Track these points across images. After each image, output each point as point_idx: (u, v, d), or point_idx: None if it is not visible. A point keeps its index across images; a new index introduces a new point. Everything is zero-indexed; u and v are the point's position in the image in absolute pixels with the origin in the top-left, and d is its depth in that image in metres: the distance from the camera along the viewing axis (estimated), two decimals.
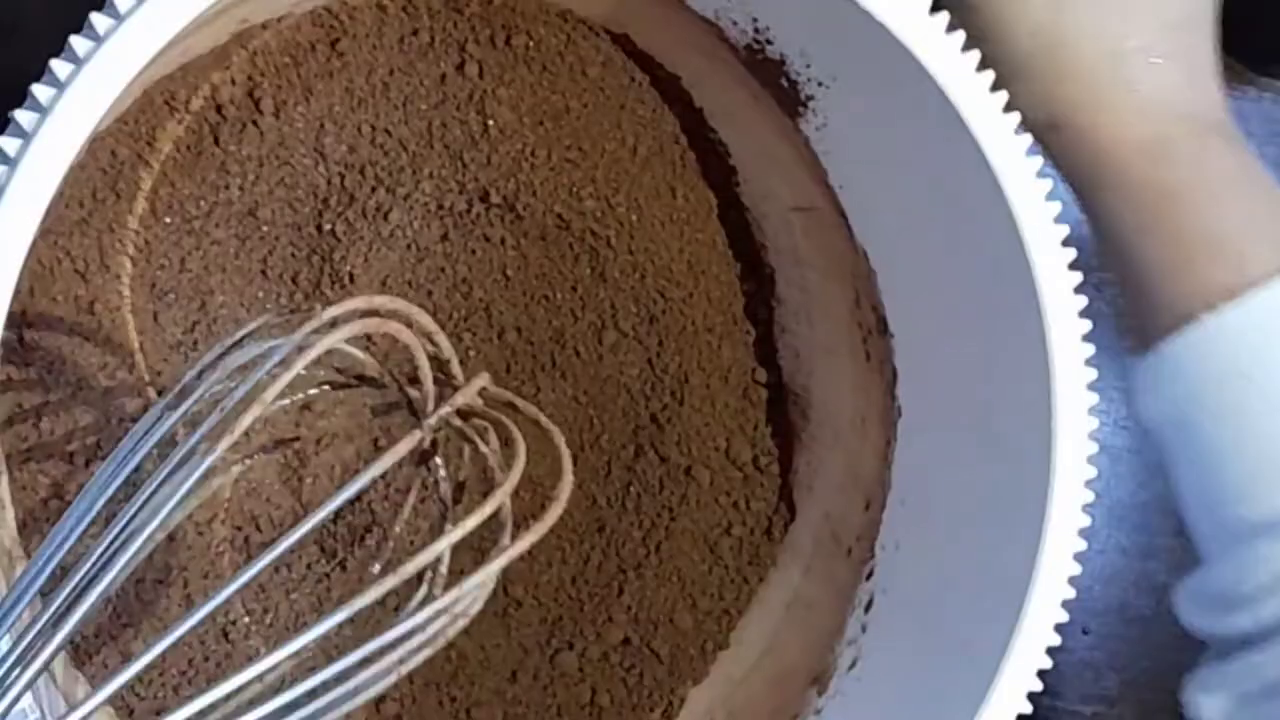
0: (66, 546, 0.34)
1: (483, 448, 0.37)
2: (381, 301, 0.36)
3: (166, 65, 0.45)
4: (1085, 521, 0.43)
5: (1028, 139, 0.41)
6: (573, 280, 0.52)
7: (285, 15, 0.47)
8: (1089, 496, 0.43)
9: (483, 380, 0.38)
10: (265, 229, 0.49)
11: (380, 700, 0.50)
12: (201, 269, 0.48)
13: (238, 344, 0.37)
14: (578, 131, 0.51)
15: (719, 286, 0.53)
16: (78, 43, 0.35)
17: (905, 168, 0.45)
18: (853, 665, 0.48)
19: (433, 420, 0.37)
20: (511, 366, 0.52)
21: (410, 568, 0.34)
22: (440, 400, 0.37)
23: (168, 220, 0.47)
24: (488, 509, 0.35)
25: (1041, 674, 0.42)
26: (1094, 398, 0.42)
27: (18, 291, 0.44)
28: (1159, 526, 0.65)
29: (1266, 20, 0.60)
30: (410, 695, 0.51)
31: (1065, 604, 0.42)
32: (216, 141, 0.47)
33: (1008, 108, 0.41)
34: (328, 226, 0.49)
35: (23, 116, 0.35)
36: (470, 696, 0.51)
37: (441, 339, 0.38)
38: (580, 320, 0.52)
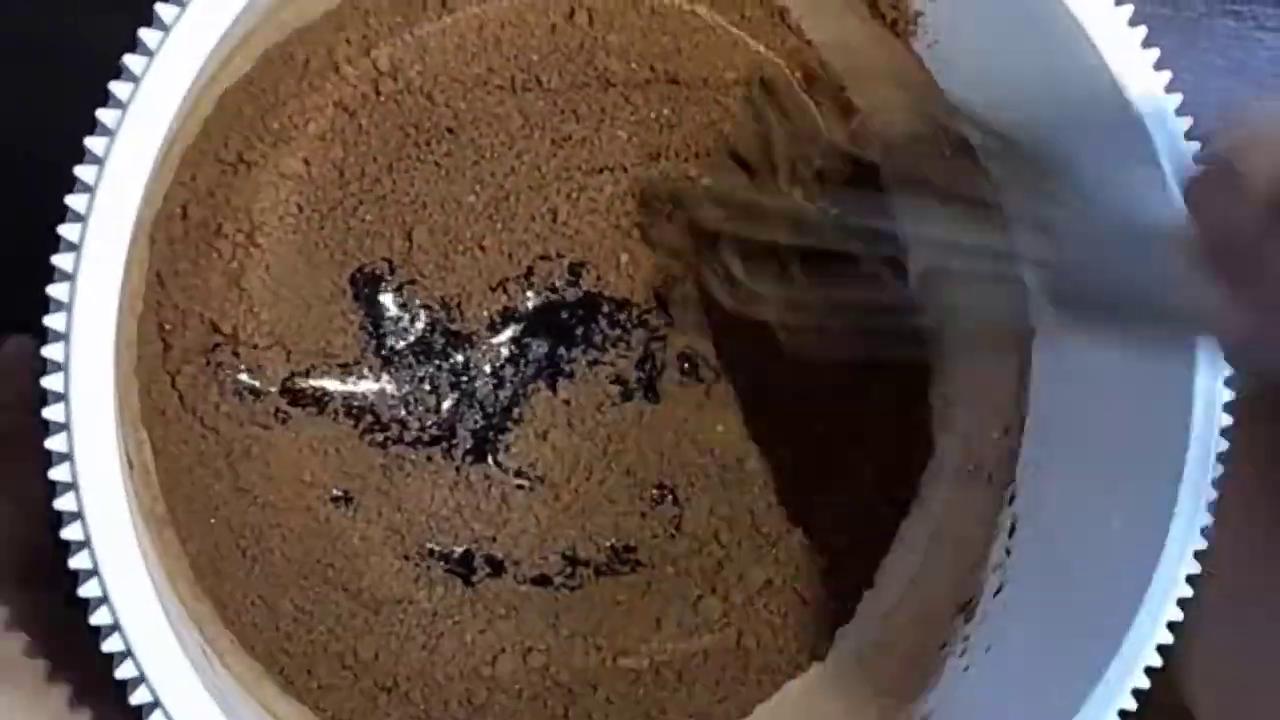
0: None
1: None
2: None
3: (281, 30, 0.46)
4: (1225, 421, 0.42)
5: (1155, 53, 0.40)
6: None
7: None
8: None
9: None
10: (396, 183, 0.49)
11: (527, 650, 0.50)
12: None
13: None
14: (691, 73, 0.50)
15: None
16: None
17: (1014, 79, 0.44)
18: (999, 590, 0.47)
19: None
20: None
21: None
22: None
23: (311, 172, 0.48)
24: None
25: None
26: None
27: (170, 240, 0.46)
28: None
29: None
30: (557, 645, 0.51)
31: None
32: (340, 104, 0.48)
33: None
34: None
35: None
36: (615, 645, 0.51)
37: None
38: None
